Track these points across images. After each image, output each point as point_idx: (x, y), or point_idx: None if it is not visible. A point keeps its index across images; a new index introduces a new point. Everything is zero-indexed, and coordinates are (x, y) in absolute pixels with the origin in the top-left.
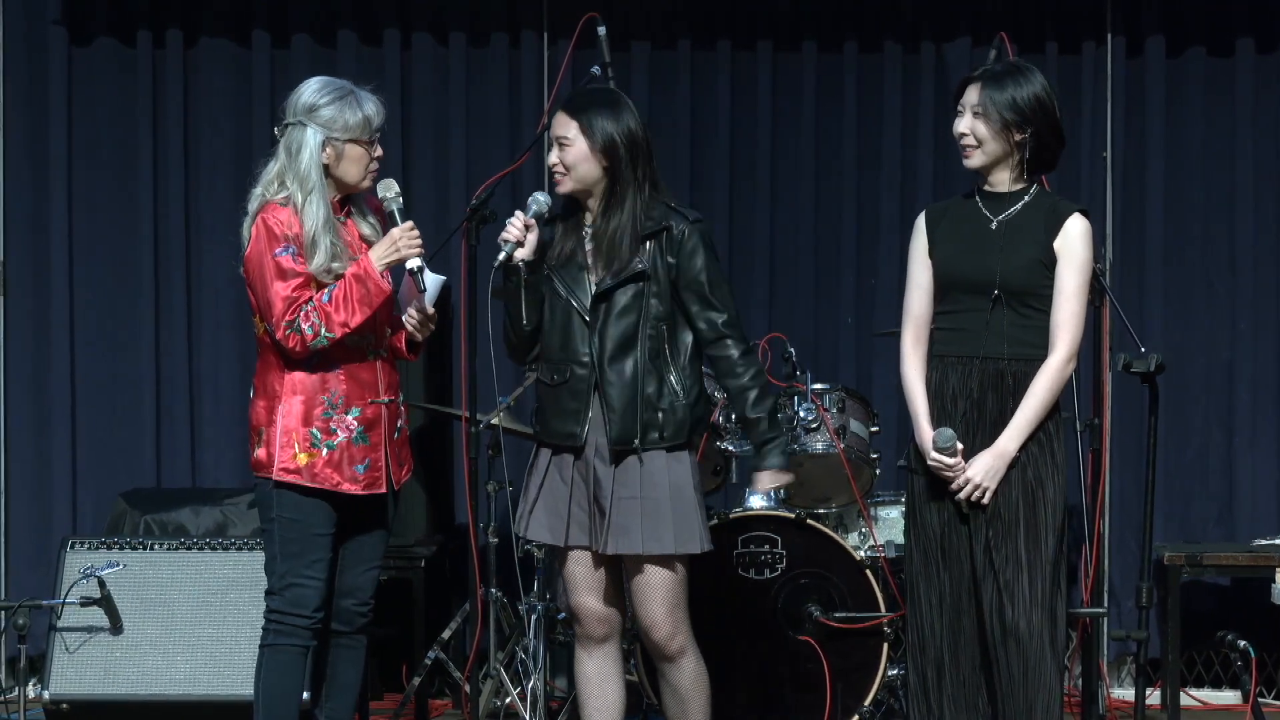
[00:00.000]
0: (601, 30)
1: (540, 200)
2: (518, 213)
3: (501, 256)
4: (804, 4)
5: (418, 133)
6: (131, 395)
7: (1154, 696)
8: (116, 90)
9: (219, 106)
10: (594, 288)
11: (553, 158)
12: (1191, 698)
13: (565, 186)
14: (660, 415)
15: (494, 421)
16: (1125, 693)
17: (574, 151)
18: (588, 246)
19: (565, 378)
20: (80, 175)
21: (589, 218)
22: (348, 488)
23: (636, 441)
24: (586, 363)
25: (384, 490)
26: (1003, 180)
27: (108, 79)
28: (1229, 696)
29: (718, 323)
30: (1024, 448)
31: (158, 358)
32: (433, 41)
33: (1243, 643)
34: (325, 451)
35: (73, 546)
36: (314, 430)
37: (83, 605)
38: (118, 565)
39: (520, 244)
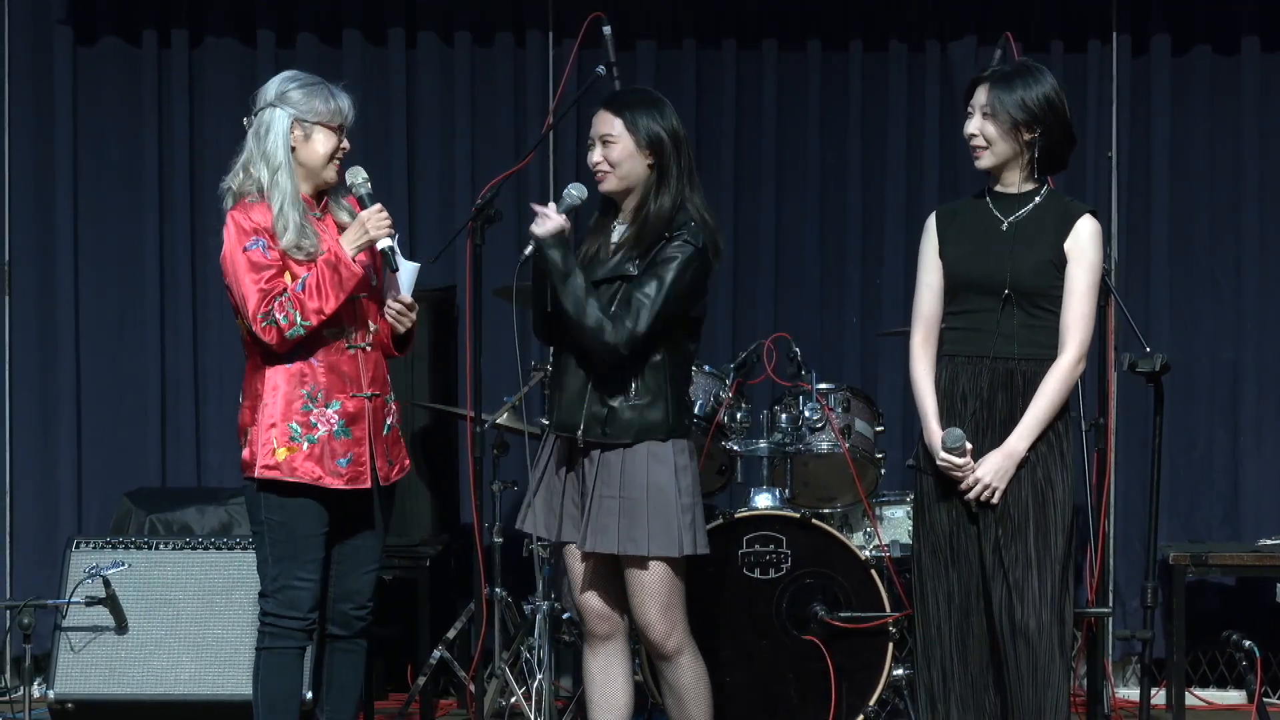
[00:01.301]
0: (607, 30)
1: (573, 195)
2: (551, 204)
3: (528, 250)
4: (809, 3)
5: (423, 132)
6: (137, 395)
7: (1159, 696)
8: (122, 90)
9: (224, 106)
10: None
11: (595, 155)
12: (1196, 697)
13: (609, 184)
14: (607, 411)
15: (499, 421)
16: (1130, 692)
17: (619, 149)
18: (613, 241)
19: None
20: (85, 175)
21: (621, 216)
22: (329, 482)
23: (580, 432)
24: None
25: (368, 485)
26: (1013, 181)
27: (113, 78)
28: (1234, 696)
29: (619, 303)
30: (1033, 447)
31: (163, 357)
32: (438, 41)
33: (1248, 642)
34: (305, 445)
35: (78, 546)
36: (293, 424)
37: (88, 605)
38: (123, 565)
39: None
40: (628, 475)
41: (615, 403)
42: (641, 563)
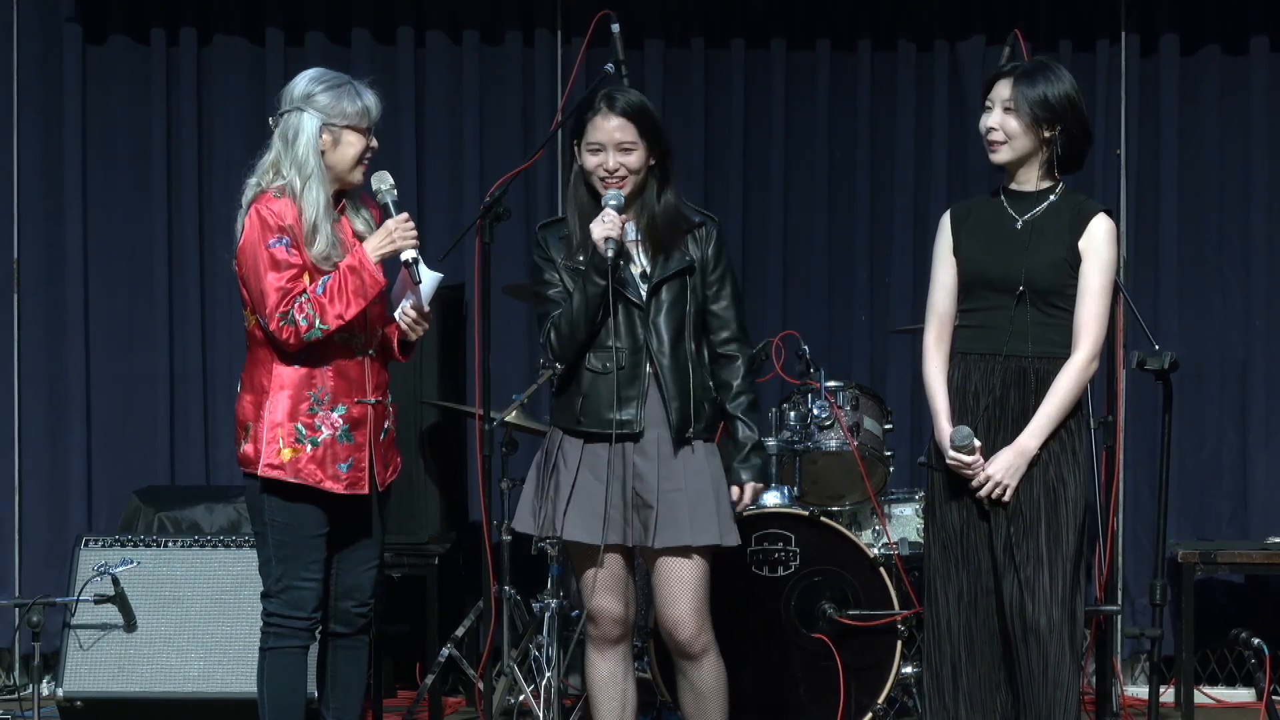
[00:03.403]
0: (615, 28)
1: (619, 196)
2: (610, 210)
3: (610, 255)
4: (818, 2)
5: (431, 130)
6: (145, 392)
7: (1168, 694)
8: (130, 88)
9: (233, 105)
10: (636, 275)
11: (611, 162)
12: (1205, 695)
13: (628, 188)
14: (705, 407)
15: (508, 419)
16: (1139, 690)
17: (639, 155)
18: (630, 237)
19: (622, 364)
20: (94, 173)
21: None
22: (330, 485)
23: (691, 430)
24: (638, 349)
25: (366, 491)
26: (1030, 178)
27: (122, 77)
28: (1243, 694)
29: (734, 322)
30: (1045, 445)
31: (172, 355)
32: (446, 39)
33: (1257, 640)
34: (310, 448)
35: (87, 544)
36: (299, 425)
37: (97, 603)
38: (132, 563)
39: (621, 240)
40: (691, 468)
41: (708, 397)
42: (690, 558)
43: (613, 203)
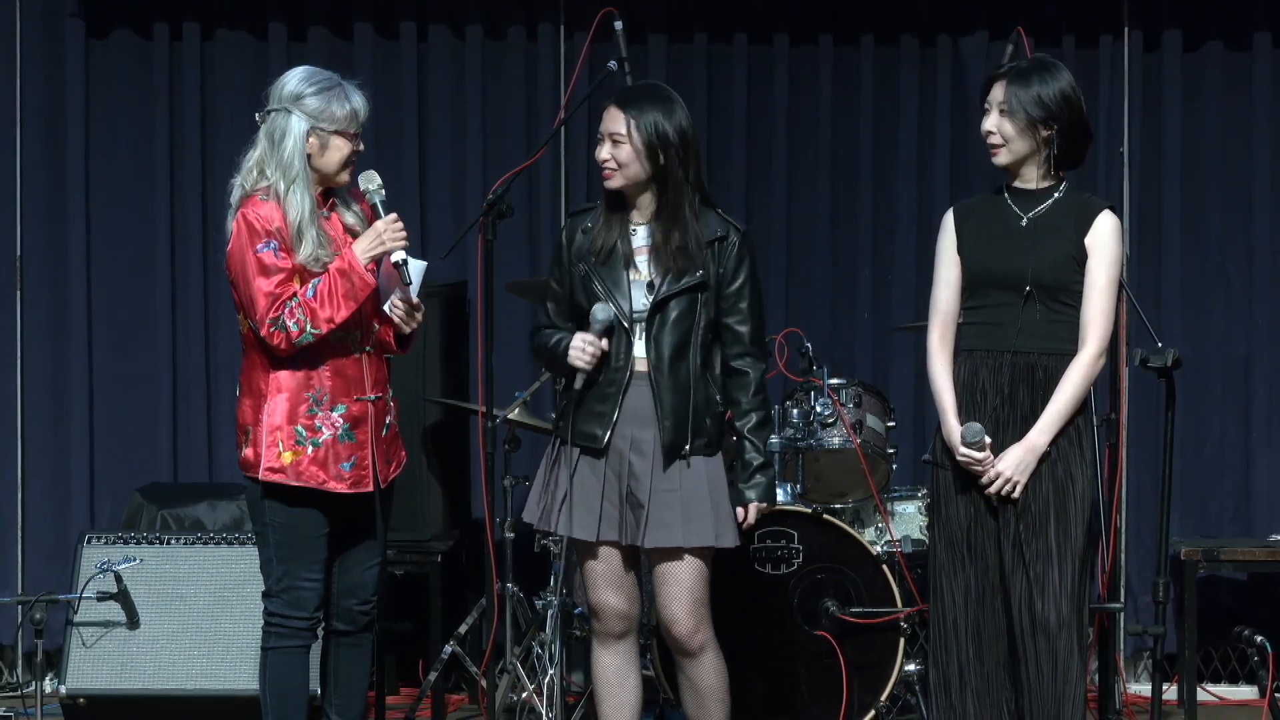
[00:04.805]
0: (618, 24)
1: (606, 312)
2: (587, 335)
3: (578, 385)
4: None
5: (434, 127)
6: (148, 390)
7: (1170, 692)
8: (133, 84)
9: (236, 100)
10: (635, 289)
11: (604, 153)
12: (1208, 693)
13: (615, 182)
14: (707, 423)
15: (510, 416)
16: (1142, 688)
17: (627, 149)
18: (635, 244)
19: (596, 381)
20: (97, 169)
21: (636, 215)
22: (334, 486)
23: (687, 448)
24: (619, 367)
25: (370, 489)
26: (1031, 177)
27: (125, 72)
28: (1246, 692)
29: (748, 337)
30: (1054, 442)
31: (175, 353)
32: (449, 35)
33: (1260, 638)
34: (310, 449)
35: (90, 541)
36: (299, 428)
37: (100, 600)
38: (135, 560)
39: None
40: (686, 470)
41: (710, 414)
42: (686, 557)
43: (599, 318)
